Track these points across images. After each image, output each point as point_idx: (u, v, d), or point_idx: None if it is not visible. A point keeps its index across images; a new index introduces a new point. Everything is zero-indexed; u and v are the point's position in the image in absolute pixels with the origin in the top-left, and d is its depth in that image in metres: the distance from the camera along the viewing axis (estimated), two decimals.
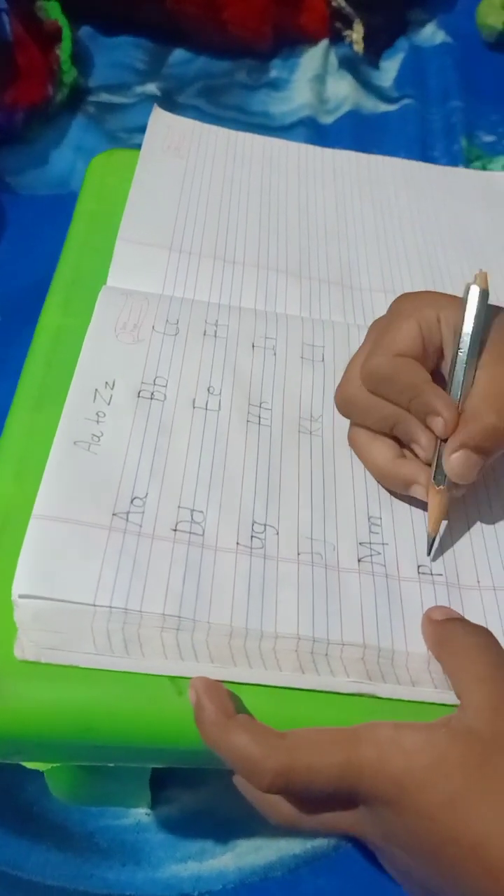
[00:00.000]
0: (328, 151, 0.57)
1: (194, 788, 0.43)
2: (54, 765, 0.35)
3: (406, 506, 0.37)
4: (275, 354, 0.42)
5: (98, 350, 0.39)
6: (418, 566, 0.35)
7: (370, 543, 0.35)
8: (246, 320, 0.43)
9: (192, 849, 0.41)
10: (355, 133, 0.76)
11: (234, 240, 0.48)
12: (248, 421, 0.38)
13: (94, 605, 0.31)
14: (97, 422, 0.36)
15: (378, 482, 0.37)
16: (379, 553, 0.35)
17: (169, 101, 0.77)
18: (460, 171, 0.61)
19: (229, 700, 0.30)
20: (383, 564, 0.34)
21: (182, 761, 0.33)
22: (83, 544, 0.32)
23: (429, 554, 0.35)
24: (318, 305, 0.46)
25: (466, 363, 0.34)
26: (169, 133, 0.54)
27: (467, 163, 0.74)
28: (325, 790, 0.28)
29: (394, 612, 0.33)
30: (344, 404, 0.37)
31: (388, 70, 0.85)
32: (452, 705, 0.30)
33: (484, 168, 0.73)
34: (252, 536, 0.34)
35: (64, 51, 0.74)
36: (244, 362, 0.41)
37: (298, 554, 0.34)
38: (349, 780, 0.28)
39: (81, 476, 0.34)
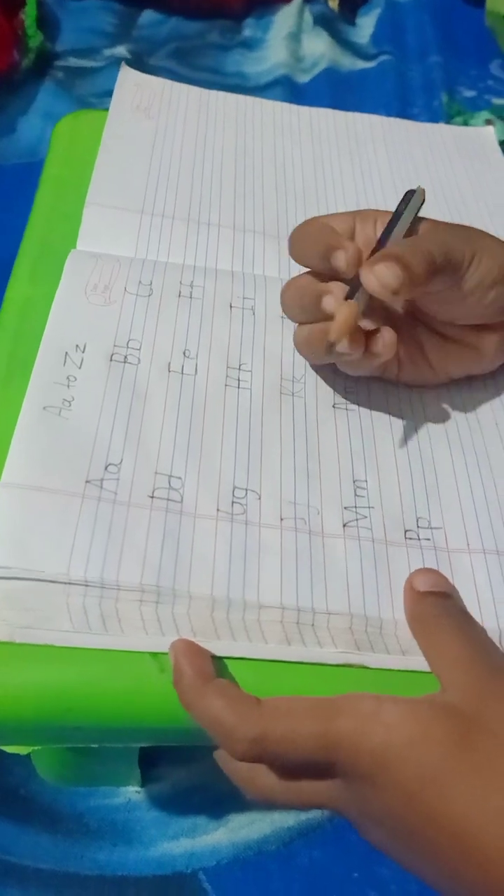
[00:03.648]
0: (304, 109, 0.56)
1: (185, 765, 0.43)
2: (34, 748, 0.34)
3: (393, 468, 0.36)
4: (254, 314, 0.40)
5: (67, 313, 0.38)
6: (405, 531, 0.34)
7: (356, 507, 0.34)
8: (223, 282, 0.41)
9: (184, 825, 0.41)
10: (333, 91, 0.74)
11: (208, 201, 0.46)
12: (226, 385, 0.37)
13: (69, 577, 0.29)
14: (68, 386, 0.35)
15: (307, 358, 0.38)
16: (365, 517, 0.34)
17: (140, 64, 0.75)
18: (441, 128, 0.59)
19: (209, 664, 0.29)
20: (369, 528, 0.33)
21: (167, 740, 0.32)
22: (55, 513, 0.31)
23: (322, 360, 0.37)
24: (297, 267, 0.44)
25: (394, 223, 0.35)
26: (138, 92, 0.52)
27: (448, 119, 0.73)
28: (301, 760, 0.28)
29: (381, 579, 0.32)
30: (285, 293, 0.38)
31: (365, 26, 0.83)
32: None
33: (465, 124, 0.72)
34: (233, 502, 0.33)
35: (29, 15, 0.72)
36: (221, 323, 0.39)
37: (281, 519, 0.33)
38: (326, 752, 0.27)
39: (52, 442, 0.33)
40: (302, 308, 0.37)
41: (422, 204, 0.37)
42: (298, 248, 0.36)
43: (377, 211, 0.37)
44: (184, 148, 0.49)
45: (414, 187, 0.38)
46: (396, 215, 0.36)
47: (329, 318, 0.34)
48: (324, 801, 0.29)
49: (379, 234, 0.36)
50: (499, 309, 0.36)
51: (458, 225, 0.37)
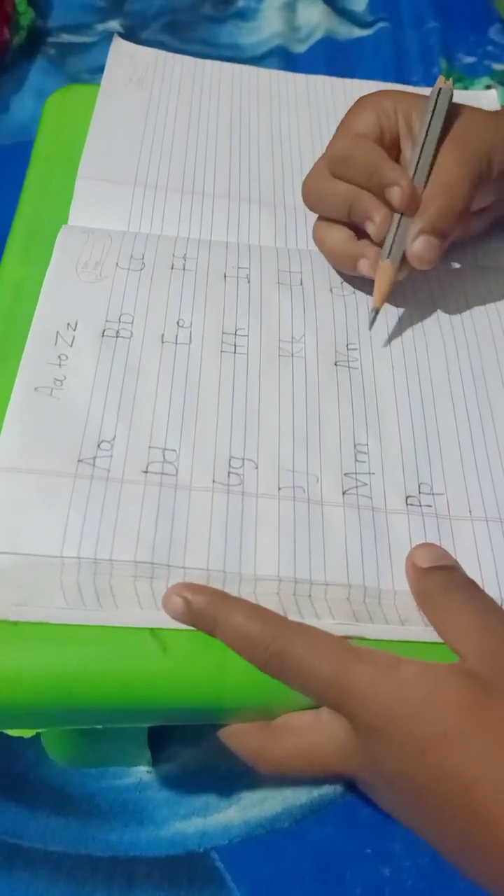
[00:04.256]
0: (301, 77, 0.55)
1: (196, 744, 0.42)
2: (39, 731, 0.33)
3: (395, 431, 0.35)
4: (248, 282, 0.39)
5: (58, 292, 0.37)
6: (406, 497, 0.33)
7: (356, 474, 0.33)
8: (217, 252, 0.41)
9: (195, 804, 0.41)
10: (329, 61, 0.73)
11: (202, 171, 0.45)
12: (222, 351, 0.36)
13: (62, 558, 0.29)
14: (59, 366, 0.34)
15: (332, 266, 0.40)
16: (365, 484, 0.33)
17: (133, 38, 0.72)
18: None
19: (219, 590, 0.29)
20: (369, 497, 0.32)
21: (172, 719, 0.32)
22: (47, 494, 0.30)
23: (370, 328, 0.37)
24: (293, 235, 0.43)
25: (425, 150, 0.36)
26: (131, 64, 0.51)
27: None
28: (312, 691, 0.28)
29: (380, 548, 0.31)
30: (308, 194, 0.39)
31: None
32: (442, 643, 0.29)
33: (466, 90, 0.70)
34: (229, 473, 0.32)
35: None
36: (216, 292, 0.39)
37: (279, 489, 0.32)
38: (337, 693, 0.27)
39: (44, 423, 0.33)
40: (336, 211, 0.38)
41: (450, 100, 0.37)
42: (344, 169, 0.37)
43: (396, 95, 0.38)
44: (178, 118, 0.48)
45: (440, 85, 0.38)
46: (430, 134, 0.37)
47: (355, 228, 0.37)
48: (335, 765, 0.29)
49: (401, 125, 0.38)
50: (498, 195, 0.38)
51: (471, 124, 0.37)
